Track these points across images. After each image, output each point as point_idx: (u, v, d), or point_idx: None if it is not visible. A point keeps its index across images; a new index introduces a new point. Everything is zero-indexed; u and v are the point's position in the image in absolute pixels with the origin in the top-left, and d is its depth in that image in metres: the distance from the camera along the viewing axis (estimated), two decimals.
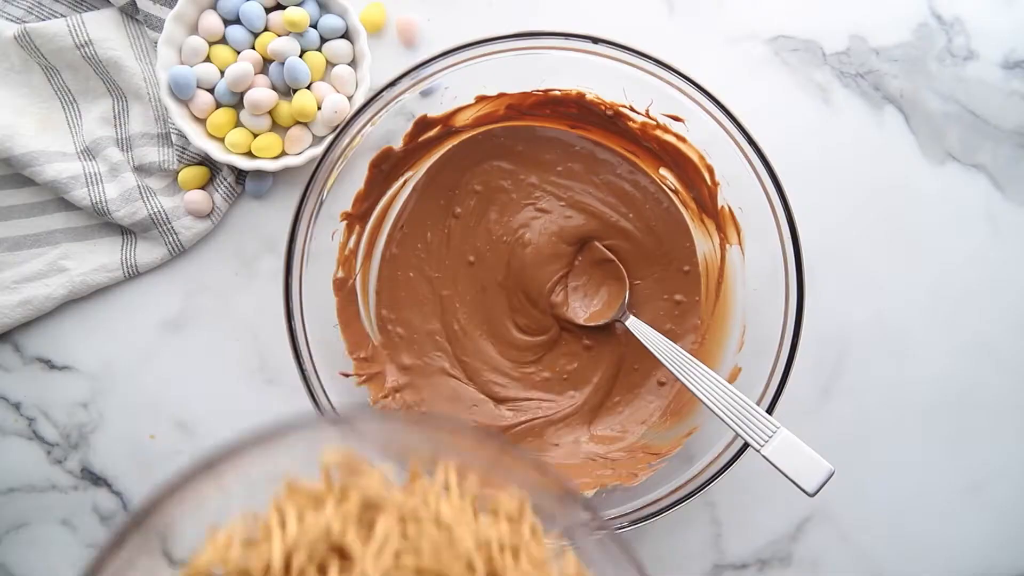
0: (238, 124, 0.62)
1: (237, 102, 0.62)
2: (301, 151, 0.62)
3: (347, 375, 0.57)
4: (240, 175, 0.64)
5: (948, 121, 0.65)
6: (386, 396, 0.58)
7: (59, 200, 0.64)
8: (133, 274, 0.64)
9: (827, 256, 0.63)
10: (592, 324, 0.61)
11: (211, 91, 0.62)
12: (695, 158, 0.57)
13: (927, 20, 0.65)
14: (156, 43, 0.60)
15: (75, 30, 0.61)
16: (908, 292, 0.65)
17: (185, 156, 0.63)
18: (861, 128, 0.65)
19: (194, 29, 0.62)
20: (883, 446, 0.64)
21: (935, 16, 0.65)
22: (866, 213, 0.65)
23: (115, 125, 0.64)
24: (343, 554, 0.33)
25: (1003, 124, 0.65)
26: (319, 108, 0.61)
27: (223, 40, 0.62)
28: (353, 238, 0.59)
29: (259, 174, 0.64)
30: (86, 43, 0.61)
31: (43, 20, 0.63)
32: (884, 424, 0.64)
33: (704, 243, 0.61)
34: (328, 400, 0.53)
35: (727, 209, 0.57)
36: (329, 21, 0.61)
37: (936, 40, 0.65)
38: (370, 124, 0.54)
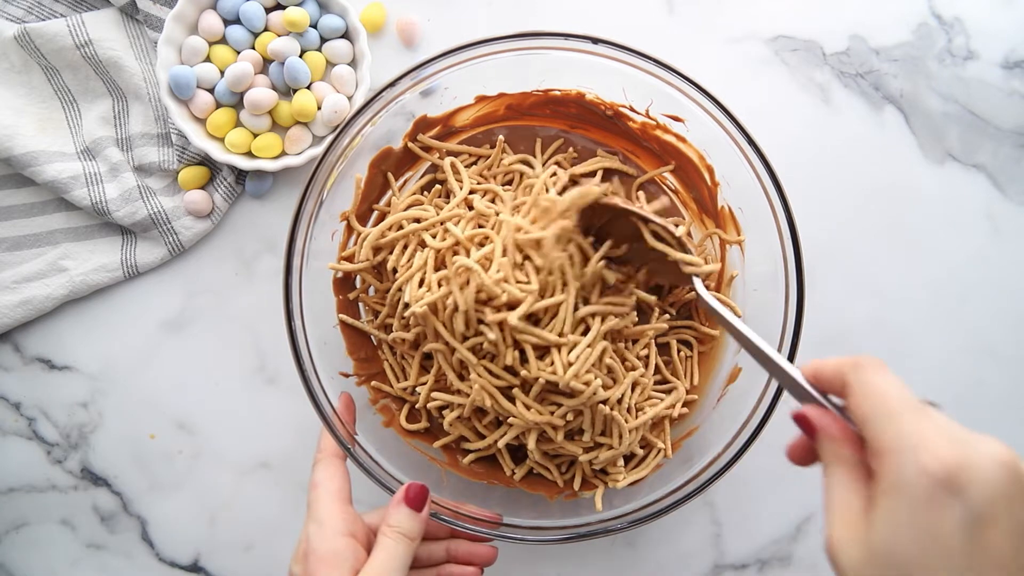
0: (238, 124, 0.62)
1: (237, 102, 0.62)
2: (301, 151, 0.62)
3: (347, 375, 0.57)
4: (240, 175, 0.64)
5: (948, 121, 0.65)
6: (385, 396, 0.58)
7: (59, 200, 0.64)
8: (133, 274, 0.64)
9: (827, 256, 0.63)
10: None
11: (211, 91, 0.62)
12: (695, 158, 0.57)
13: (927, 20, 0.65)
14: (156, 43, 0.60)
15: (75, 30, 0.61)
16: (908, 292, 0.65)
17: (185, 156, 0.63)
18: (861, 128, 0.65)
19: (194, 29, 0.62)
20: None
21: (935, 16, 0.65)
22: (866, 213, 0.65)
23: (115, 125, 0.64)
24: None
25: (1003, 124, 0.65)
26: (319, 108, 0.61)
27: (223, 40, 0.62)
28: (353, 238, 0.59)
29: (259, 174, 0.64)
30: (86, 43, 0.61)
31: (43, 20, 0.63)
32: None
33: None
34: (328, 400, 0.53)
35: (727, 209, 0.57)
36: (329, 21, 0.61)
37: (936, 40, 0.65)
38: (370, 124, 0.54)
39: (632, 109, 0.57)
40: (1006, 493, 0.28)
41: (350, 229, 0.58)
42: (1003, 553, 0.28)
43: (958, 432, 0.30)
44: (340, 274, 0.58)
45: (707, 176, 0.57)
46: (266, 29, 0.62)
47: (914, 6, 0.65)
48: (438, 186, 0.58)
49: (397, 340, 0.56)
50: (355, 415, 0.54)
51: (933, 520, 0.29)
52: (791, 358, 0.52)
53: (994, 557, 0.28)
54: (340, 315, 0.58)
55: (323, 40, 0.62)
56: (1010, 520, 0.29)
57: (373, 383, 0.58)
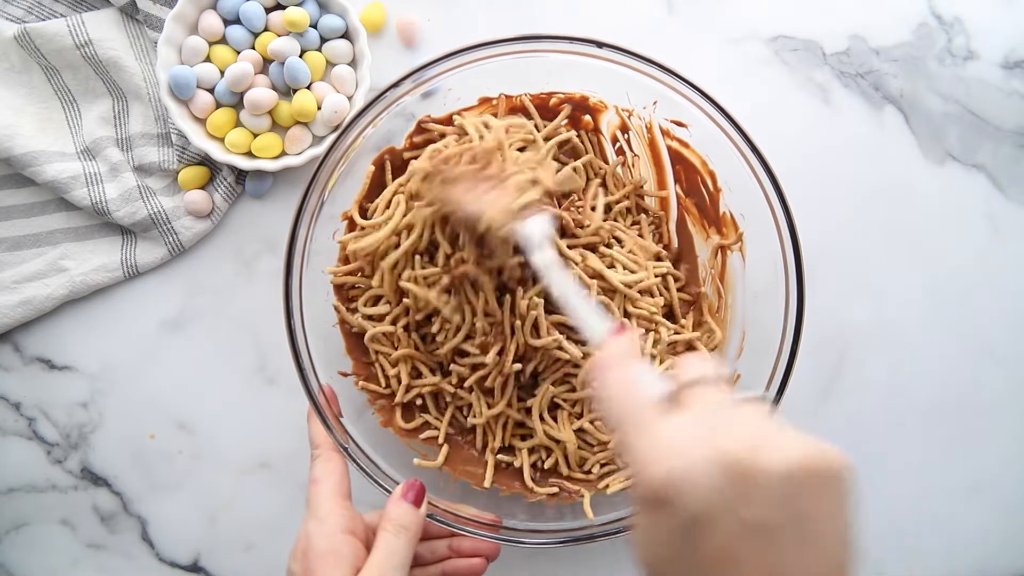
0: (238, 124, 0.62)
1: (237, 102, 0.62)
2: (301, 151, 0.62)
3: (346, 375, 0.57)
4: (240, 175, 0.64)
5: (948, 121, 0.65)
6: (382, 397, 0.58)
7: (59, 200, 0.64)
8: (133, 274, 0.64)
9: (827, 256, 0.63)
10: None
11: (211, 91, 0.62)
12: (698, 164, 0.57)
13: (927, 20, 0.65)
14: (156, 43, 0.60)
15: (75, 30, 0.61)
16: (908, 292, 0.65)
17: (185, 156, 0.63)
18: (861, 128, 0.65)
19: (194, 29, 0.61)
20: (882, 447, 0.64)
21: (935, 16, 0.65)
22: (866, 213, 0.65)
23: (115, 125, 0.64)
24: None
25: (1003, 124, 0.65)
26: (319, 108, 0.61)
27: (223, 40, 0.62)
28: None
29: (259, 174, 0.64)
30: (86, 43, 0.61)
31: (43, 20, 0.63)
32: (884, 425, 0.64)
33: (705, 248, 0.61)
34: (327, 401, 0.53)
35: (728, 215, 0.57)
36: (329, 21, 0.61)
37: (936, 40, 0.65)
38: (371, 125, 0.54)
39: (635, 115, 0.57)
40: (722, 497, 0.31)
41: (351, 228, 0.58)
42: (720, 550, 0.31)
43: (687, 436, 0.33)
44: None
45: (709, 182, 0.57)
46: (266, 29, 0.62)
47: (914, 6, 0.65)
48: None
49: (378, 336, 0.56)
50: (339, 405, 0.54)
51: (656, 525, 0.32)
52: (791, 360, 0.52)
53: (709, 555, 0.31)
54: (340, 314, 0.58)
55: (323, 40, 0.62)
56: (731, 519, 0.31)
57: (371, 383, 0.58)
